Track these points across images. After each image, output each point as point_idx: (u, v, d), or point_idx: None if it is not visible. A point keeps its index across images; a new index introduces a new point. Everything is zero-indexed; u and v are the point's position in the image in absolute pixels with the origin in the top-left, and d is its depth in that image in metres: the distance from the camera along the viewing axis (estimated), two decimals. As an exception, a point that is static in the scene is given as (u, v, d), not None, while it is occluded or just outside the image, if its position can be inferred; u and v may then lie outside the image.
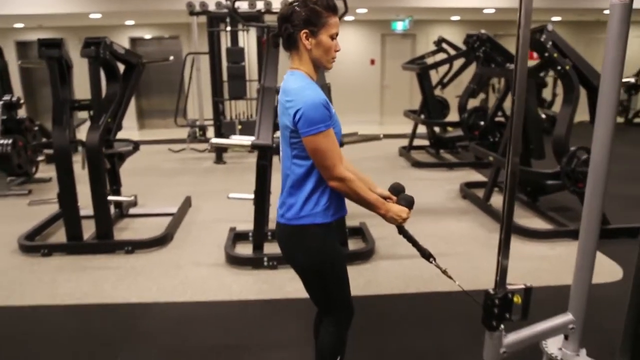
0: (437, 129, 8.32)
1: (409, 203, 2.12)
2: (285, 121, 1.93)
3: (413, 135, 8.16)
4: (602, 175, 2.30)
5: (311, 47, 1.92)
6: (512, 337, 2.44)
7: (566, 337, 2.54)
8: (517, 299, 2.36)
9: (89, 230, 4.55)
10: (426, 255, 2.25)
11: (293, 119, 1.87)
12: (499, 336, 2.39)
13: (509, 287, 2.35)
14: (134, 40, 11.74)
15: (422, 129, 8.37)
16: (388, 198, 2.16)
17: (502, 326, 2.38)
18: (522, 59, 2.02)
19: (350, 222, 4.56)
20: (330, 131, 1.87)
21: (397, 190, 2.20)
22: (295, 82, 1.91)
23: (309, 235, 2.01)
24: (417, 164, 7.50)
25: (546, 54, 4.19)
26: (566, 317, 2.50)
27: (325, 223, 2.02)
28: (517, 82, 2.04)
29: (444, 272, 2.25)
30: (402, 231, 2.20)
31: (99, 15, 9.50)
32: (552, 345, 2.57)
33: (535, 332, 2.49)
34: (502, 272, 2.31)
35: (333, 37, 1.93)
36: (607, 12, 8.05)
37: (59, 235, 4.80)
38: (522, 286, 2.36)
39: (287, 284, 3.70)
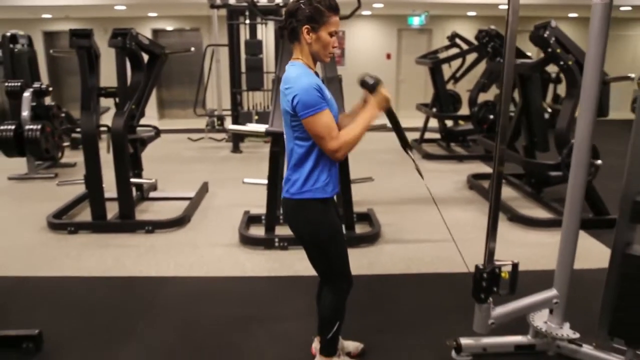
0: (450, 123, 8.49)
1: (376, 83, 2.24)
2: (285, 106, 2.16)
3: (424, 128, 8.34)
4: (584, 163, 2.49)
5: (311, 42, 2.14)
6: (500, 310, 2.66)
7: (551, 312, 2.74)
8: (504, 275, 2.57)
9: (111, 211, 4.84)
10: (405, 143, 2.44)
11: (291, 104, 2.10)
12: (487, 308, 2.60)
13: (497, 263, 2.56)
14: (156, 32, 12.07)
15: (435, 123, 8.54)
16: (365, 101, 2.30)
17: (490, 299, 2.59)
18: (510, 52, 2.22)
19: (359, 208, 4.80)
20: (326, 112, 2.09)
21: (363, 83, 2.28)
22: (293, 72, 2.15)
23: (310, 208, 2.26)
24: (428, 156, 7.68)
25: (549, 50, 4.36)
26: (551, 293, 2.71)
27: (324, 198, 2.26)
28: (504, 74, 2.24)
29: (417, 168, 2.50)
30: (389, 113, 2.35)
31: (123, 7, 9.81)
32: (539, 319, 2.77)
33: (522, 306, 2.70)
34: (490, 249, 2.52)
35: (332, 34, 2.14)
36: (622, 9, 8.14)
37: (84, 215, 5.11)
38: (509, 262, 2.57)
39: (296, 263, 3.94)
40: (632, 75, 4.23)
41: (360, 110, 2.27)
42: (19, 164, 6.72)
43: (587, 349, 2.65)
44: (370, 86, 2.25)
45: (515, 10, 2.18)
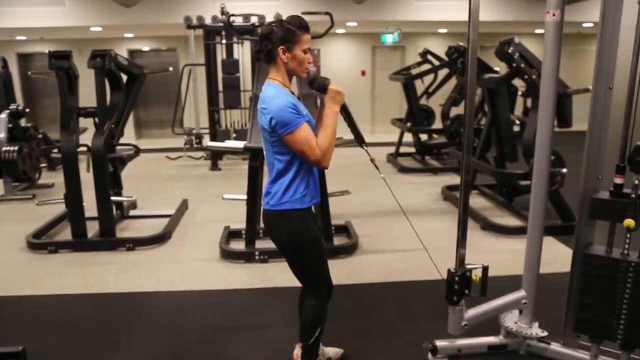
0: (424, 136, 8.71)
1: (324, 82, 2.32)
2: (263, 124, 2.29)
3: (399, 142, 8.54)
4: (545, 171, 2.66)
5: (287, 61, 2.28)
6: (472, 312, 2.79)
7: (521, 312, 2.88)
8: (475, 278, 2.70)
9: (91, 230, 4.86)
10: (360, 139, 2.55)
11: (269, 123, 2.23)
12: (460, 310, 2.73)
13: (468, 266, 2.69)
14: (132, 52, 12.12)
15: (409, 137, 8.75)
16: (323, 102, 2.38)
17: (462, 301, 2.72)
18: (472, 66, 2.38)
19: (337, 220, 4.91)
20: (303, 126, 2.22)
21: (315, 85, 2.36)
22: (269, 92, 2.29)
23: (289, 218, 2.37)
24: (403, 169, 7.86)
25: (514, 65, 4.58)
26: (519, 294, 2.85)
27: (303, 208, 2.37)
28: (467, 87, 2.39)
29: (372, 160, 2.58)
30: (344, 110, 2.43)
31: (99, 29, 9.86)
32: (509, 320, 2.91)
33: (493, 307, 2.84)
34: (460, 253, 2.66)
35: (305, 51, 2.29)
36: (586, 25, 8.44)
37: (64, 235, 5.12)
38: (480, 266, 2.71)
39: (276, 275, 4.03)
40: (591, 88, 4.45)
41: (321, 113, 2.36)
42: (-4, 186, 6.69)
43: (555, 346, 2.79)
44: (319, 86, 2.34)
45: (475, 27, 2.35)
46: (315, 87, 2.37)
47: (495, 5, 9.53)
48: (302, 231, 2.39)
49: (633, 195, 2.35)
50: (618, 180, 2.40)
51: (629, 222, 2.33)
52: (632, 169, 2.35)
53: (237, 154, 8.77)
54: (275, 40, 2.25)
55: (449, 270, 2.69)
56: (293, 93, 2.38)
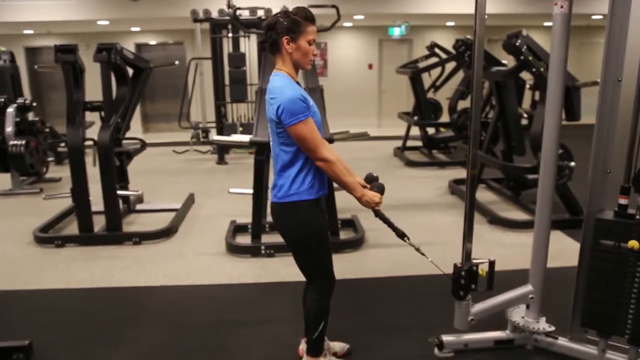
0: (431, 130, 8.65)
1: (380, 189, 2.47)
2: (270, 115, 2.28)
3: (406, 136, 8.49)
4: (552, 164, 2.63)
5: (292, 51, 2.27)
6: (479, 306, 2.77)
7: (528, 307, 2.85)
8: (482, 272, 2.68)
9: (98, 224, 4.87)
10: (400, 234, 2.58)
11: (276, 113, 2.22)
12: (467, 305, 2.72)
13: (475, 261, 2.68)
14: (139, 46, 12.12)
15: (416, 130, 8.70)
16: (363, 187, 2.48)
17: (469, 296, 2.70)
18: (478, 60, 2.35)
19: (343, 214, 4.90)
20: (310, 120, 2.23)
21: (371, 180, 2.53)
22: (278, 82, 2.28)
23: (297, 210, 2.37)
24: (410, 163, 7.82)
25: (521, 57, 4.53)
26: (526, 288, 2.83)
27: (310, 199, 2.37)
28: (474, 80, 2.36)
29: (417, 249, 2.58)
30: (378, 214, 2.52)
31: (106, 22, 9.87)
32: (516, 315, 2.89)
33: (500, 302, 2.82)
34: (467, 248, 2.64)
35: (310, 42, 2.28)
36: (595, 17, 8.37)
37: (71, 229, 5.13)
38: (486, 260, 2.69)
39: (282, 270, 4.02)
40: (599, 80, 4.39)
41: (358, 180, 2.47)
42: (3, 180, 6.71)
43: (562, 341, 2.77)
44: (377, 186, 2.48)
45: (481, 20, 2.31)
46: (374, 184, 2.49)
47: (503, -3, 9.46)
48: (309, 223, 2.39)
49: (638, 217, 2.33)
50: (622, 201, 2.37)
51: (634, 243, 2.32)
52: (636, 190, 2.32)
53: (243, 148, 8.76)
54: (280, 31, 2.24)
55: (455, 266, 2.67)
56: (299, 84, 2.36)
